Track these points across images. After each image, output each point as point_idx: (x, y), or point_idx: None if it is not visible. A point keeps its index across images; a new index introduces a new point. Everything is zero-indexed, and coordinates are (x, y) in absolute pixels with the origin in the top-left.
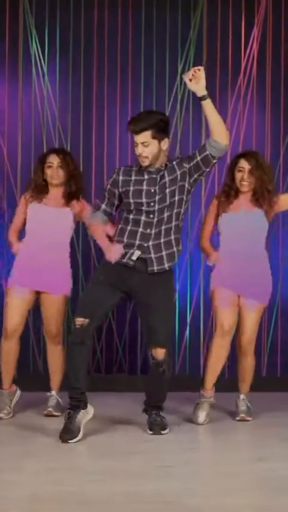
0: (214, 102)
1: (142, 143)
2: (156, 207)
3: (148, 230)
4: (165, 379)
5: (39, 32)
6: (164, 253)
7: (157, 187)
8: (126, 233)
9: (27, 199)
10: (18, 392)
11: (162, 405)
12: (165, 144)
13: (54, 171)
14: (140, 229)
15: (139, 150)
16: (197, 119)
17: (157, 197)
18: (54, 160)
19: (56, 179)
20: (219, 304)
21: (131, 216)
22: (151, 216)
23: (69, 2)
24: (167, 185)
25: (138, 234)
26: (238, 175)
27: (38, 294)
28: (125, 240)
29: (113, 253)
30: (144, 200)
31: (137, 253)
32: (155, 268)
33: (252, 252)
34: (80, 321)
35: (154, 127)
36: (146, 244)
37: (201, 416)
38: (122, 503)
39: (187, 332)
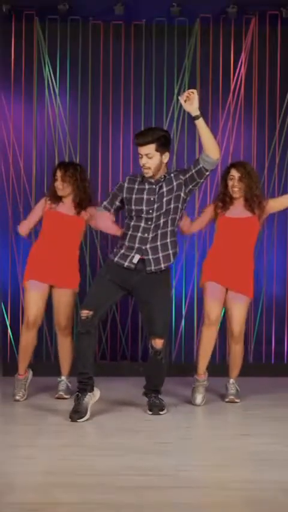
0: (207, 119)
1: (146, 155)
2: (154, 214)
3: (146, 234)
4: (163, 365)
5: (51, 58)
6: (160, 254)
7: (156, 196)
8: (127, 237)
9: (47, 202)
10: (31, 373)
11: (160, 389)
12: (166, 157)
13: (59, 183)
14: (139, 234)
15: (143, 161)
16: (191, 135)
17: (155, 205)
18: (59, 174)
19: (60, 190)
20: (208, 297)
21: (132, 223)
22: (149, 222)
23: (78, 32)
24: (165, 194)
25: (137, 238)
26: (230, 183)
27: (50, 288)
28: (126, 243)
29: (116, 229)
30: (144, 208)
31: (137, 257)
32: (153, 268)
33: (241, 251)
34: (85, 312)
35: (157, 141)
36: (144, 247)
37: (198, 398)
38: (126, 475)
39: (182, 323)
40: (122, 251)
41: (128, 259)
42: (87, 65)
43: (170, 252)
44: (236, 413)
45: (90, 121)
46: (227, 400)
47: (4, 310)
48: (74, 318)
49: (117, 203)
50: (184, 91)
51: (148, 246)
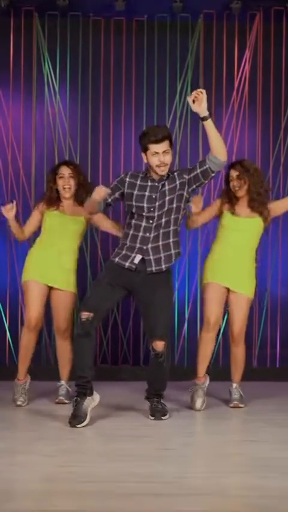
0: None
1: (164, 151)
2: (156, 213)
3: (147, 234)
4: (165, 369)
5: (51, 55)
6: (162, 255)
7: (158, 194)
8: (129, 237)
9: (41, 210)
10: (29, 378)
11: (162, 393)
12: (172, 155)
13: (66, 181)
14: (140, 234)
15: (161, 158)
16: (194, 134)
17: (157, 203)
18: (65, 171)
19: (67, 189)
20: (208, 299)
21: (133, 222)
22: (150, 221)
23: (78, 28)
24: (167, 193)
25: (139, 238)
26: (231, 184)
27: (49, 289)
28: (128, 243)
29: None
30: (145, 205)
31: (138, 258)
32: (153, 268)
33: (243, 252)
34: (85, 314)
35: (170, 137)
36: (145, 247)
37: (198, 402)
38: (126, 482)
39: (185, 325)
40: (123, 252)
41: (129, 260)
42: (88, 62)
43: (172, 252)
44: (239, 418)
45: (91, 119)
46: (231, 405)
47: (2, 312)
48: (73, 321)
49: (117, 195)
50: (187, 89)
51: (149, 246)
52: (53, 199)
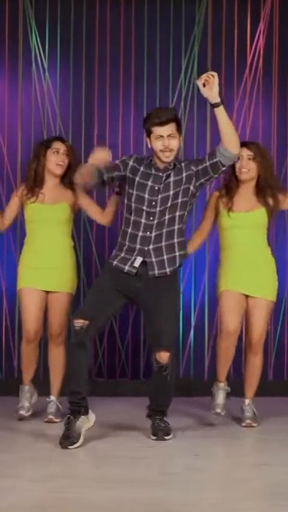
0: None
1: (169, 135)
2: (158, 208)
3: (148, 233)
4: (169, 383)
5: (39, 25)
6: (165, 257)
7: (162, 185)
8: (127, 237)
9: (20, 196)
10: (36, 395)
11: (166, 410)
12: (180, 141)
13: (60, 157)
14: (140, 233)
15: (165, 142)
16: (202, 118)
17: (159, 196)
18: (60, 146)
19: (60, 166)
20: (225, 308)
21: (132, 218)
22: (151, 218)
23: None
24: (172, 186)
25: (139, 238)
26: (237, 165)
27: (46, 293)
28: (127, 243)
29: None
30: (146, 196)
31: (139, 260)
32: (156, 272)
33: (253, 250)
34: (79, 322)
35: (177, 120)
36: (146, 248)
37: (219, 407)
38: (124, 510)
39: (191, 334)
40: (122, 254)
41: (129, 263)
42: (81, 34)
43: (177, 254)
44: (252, 438)
45: (85, 100)
46: (243, 424)
47: None
48: (68, 325)
49: (114, 175)
50: (193, 66)
51: (151, 246)
52: (38, 181)
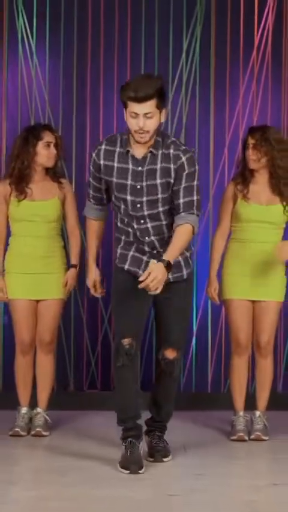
0: (224, 81)
1: (145, 114)
2: (145, 212)
3: (147, 238)
4: (175, 386)
5: (26, 5)
6: (180, 257)
7: (144, 183)
8: (125, 244)
9: (4, 194)
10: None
11: (166, 424)
12: (163, 116)
13: (52, 150)
14: (139, 239)
15: (140, 123)
16: (204, 103)
17: (145, 198)
18: (52, 139)
19: (51, 160)
20: (233, 318)
21: (122, 225)
22: (141, 221)
23: None
24: (158, 176)
25: (141, 243)
26: (246, 153)
27: (37, 302)
28: (133, 248)
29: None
30: (128, 197)
31: (153, 261)
32: (171, 277)
33: (269, 250)
34: (127, 341)
35: (158, 94)
36: (155, 251)
37: (243, 431)
38: None
39: (193, 342)
40: (131, 253)
41: (142, 266)
42: (72, 13)
43: (187, 253)
44: (260, 457)
45: (76, 85)
46: (252, 437)
47: None
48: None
49: (103, 186)
50: (195, 46)
51: (161, 249)
52: (26, 175)
